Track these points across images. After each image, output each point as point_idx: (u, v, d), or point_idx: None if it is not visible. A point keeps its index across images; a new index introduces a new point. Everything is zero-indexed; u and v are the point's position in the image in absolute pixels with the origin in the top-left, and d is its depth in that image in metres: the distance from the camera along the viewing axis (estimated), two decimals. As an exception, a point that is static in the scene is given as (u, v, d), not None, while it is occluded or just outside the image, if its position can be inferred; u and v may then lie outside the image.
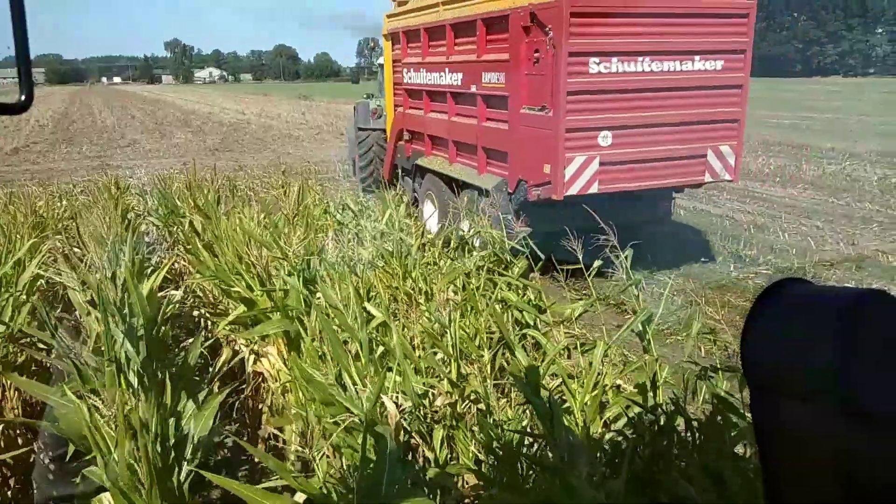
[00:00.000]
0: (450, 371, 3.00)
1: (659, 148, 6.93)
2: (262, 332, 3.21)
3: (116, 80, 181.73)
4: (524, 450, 2.59)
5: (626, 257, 3.51)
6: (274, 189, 11.50)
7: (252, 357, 3.91)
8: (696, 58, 6.86)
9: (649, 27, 6.70)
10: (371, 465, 1.96)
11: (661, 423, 2.43)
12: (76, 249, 4.67)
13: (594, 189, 6.68)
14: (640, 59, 6.65)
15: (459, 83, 8.25)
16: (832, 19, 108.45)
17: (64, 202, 8.10)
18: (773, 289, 0.70)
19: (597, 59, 6.47)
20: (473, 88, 7.89)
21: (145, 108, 49.62)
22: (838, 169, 15.23)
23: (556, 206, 6.57)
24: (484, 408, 2.92)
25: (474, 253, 4.35)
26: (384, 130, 11.50)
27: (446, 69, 8.56)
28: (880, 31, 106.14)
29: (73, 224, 5.78)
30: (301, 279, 3.23)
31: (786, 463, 0.66)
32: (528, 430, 2.75)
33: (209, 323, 4.35)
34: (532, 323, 3.82)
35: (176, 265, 5.74)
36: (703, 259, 8.64)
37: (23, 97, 0.88)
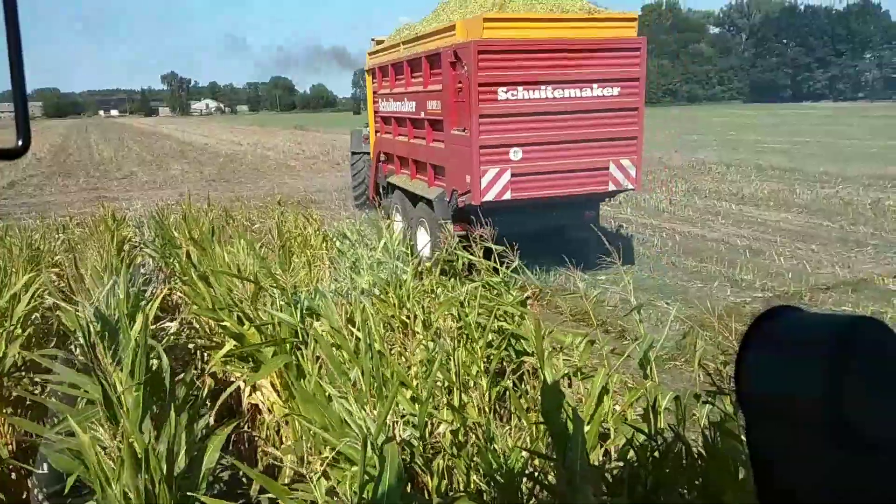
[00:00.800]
0: (452, 398, 2.97)
1: (565, 161, 8.12)
2: (260, 378, 3.18)
3: (114, 112, 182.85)
4: (525, 477, 2.56)
5: (628, 281, 3.51)
6: (270, 219, 11.56)
7: (248, 389, 3.89)
8: (595, 85, 8.04)
9: (550, 60, 7.90)
10: (373, 489, 1.93)
11: (662, 449, 2.41)
12: (72, 283, 4.65)
13: (507, 196, 7.91)
14: (543, 87, 7.87)
15: (414, 110, 9.55)
16: (821, 45, 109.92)
17: (60, 235, 8.09)
18: (765, 317, 0.70)
19: (504, 89, 7.75)
20: (422, 114, 9.15)
21: (142, 140, 49.91)
22: (832, 192, 15.32)
23: (503, 214, 7.45)
24: (484, 435, 2.89)
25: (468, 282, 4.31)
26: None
27: (405, 98, 9.88)
28: (868, 56, 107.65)
29: (70, 257, 5.76)
30: (298, 311, 3.20)
31: (779, 491, 0.67)
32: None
33: (205, 355, 4.32)
34: (531, 351, 3.81)
35: (172, 296, 5.72)
36: (699, 284, 8.65)
37: (20, 142, 0.86)
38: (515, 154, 7.94)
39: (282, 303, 3.39)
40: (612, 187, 8.47)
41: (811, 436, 0.62)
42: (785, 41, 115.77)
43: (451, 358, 3.03)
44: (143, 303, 4.51)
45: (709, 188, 16.65)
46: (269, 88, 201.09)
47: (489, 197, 7.84)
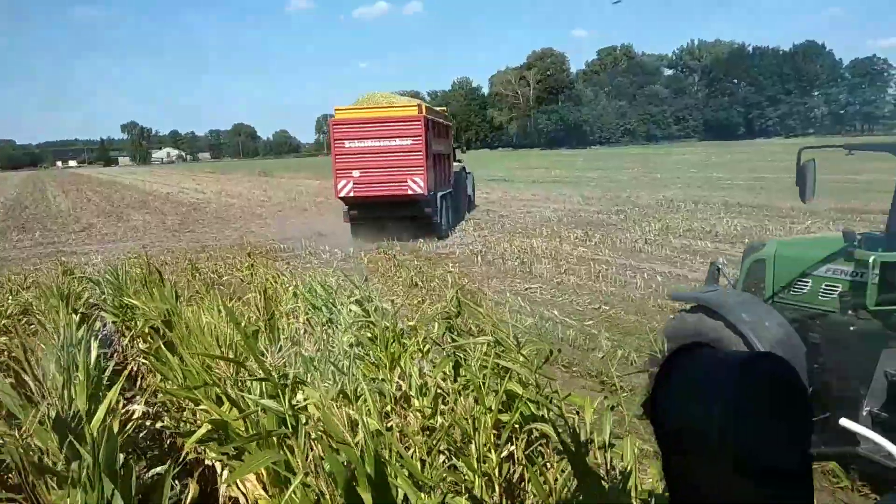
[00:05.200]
0: (473, 487, 2.58)
1: (382, 177, 15.50)
2: (243, 474, 2.73)
3: (72, 163, 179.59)
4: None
5: (633, 364, 3.18)
6: (238, 271, 11.04)
7: (225, 473, 3.42)
8: (396, 139, 15.54)
9: (369, 125, 15.63)
10: None
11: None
12: (26, 356, 4.14)
13: (352, 194, 15.76)
14: (366, 140, 15.61)
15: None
16: (770, 84, 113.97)
17: (10, 299, 7.49)
18: (675, 355, 0.78)
19: (347, 141, 15.72)
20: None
21: (101, 190, 48.80)
22: (802, 228, 15.41)
23: (365, 207, 16.05)
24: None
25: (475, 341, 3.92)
26: None
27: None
28: (816, 93, 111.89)
29: (21, 323, 5.23)
30: (286, 398, 2.77)
31: None
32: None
33: (174, 437, 3.83)
34: (541, 415, 3.43)
35: (133, 364, 5.21)
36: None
37: None
38: (355, 173, 15.65)
39: (267, 386, 2.96)
40: (409, 192, 15.51)
41: (712, 463, 0.69)
42: (735, 81, 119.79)
43: (473, 440, 2.63)
44: (105, 376, 4.04)
45: (682, 227, 16.63)
46: (231, 135, 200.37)
47: (342, 194, 15.91)
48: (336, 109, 16.09)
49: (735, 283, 5.65)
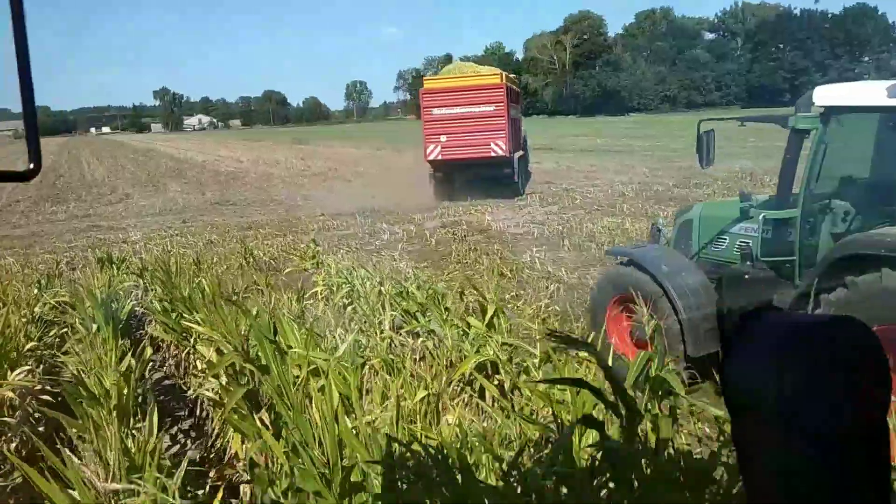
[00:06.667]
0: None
1: (468, 141, 16.77)
2: None
3: (105, 129, 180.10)
4: None
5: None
6: (303, 259, 9.58)
7: None
8: (480, 105, 16.90)
9: (457, 92, 17.12)
10: None
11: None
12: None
13: (440, 157, 17.12)
14: (453, 107, 16.96)
15: None
16: (818, 48, 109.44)
17: (37, 306, 6.03)
18: (748, 318, 0.75)
19: (434, 108, 17.16)
20: None
21: (136, 158, 47.98)
22: None
23: (450, 169, 17.49)
24: None
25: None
26: None
27: None
28: (867, 59, 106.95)
29: (51, 354, 3.86)
30: None
31: (753, 476, 0.72)
32: None
33: None
34: None
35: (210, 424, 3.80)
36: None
37: (31, 165, 0.83)
38: (443, 138, 16.90)
39: None
40: (492, 154, 16.83)
41: (775, 427, 0.67)
42: (781, 45, 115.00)
43: None
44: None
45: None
46: (262, 102, 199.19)
47: (430, 158, 17.27)
48: (425, 80, 19.02)
49: (669, 241, 6.28)
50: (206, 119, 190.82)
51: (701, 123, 5.36)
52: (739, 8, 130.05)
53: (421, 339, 4.73)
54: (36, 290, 6.65)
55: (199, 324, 4.31)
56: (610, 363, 3.58)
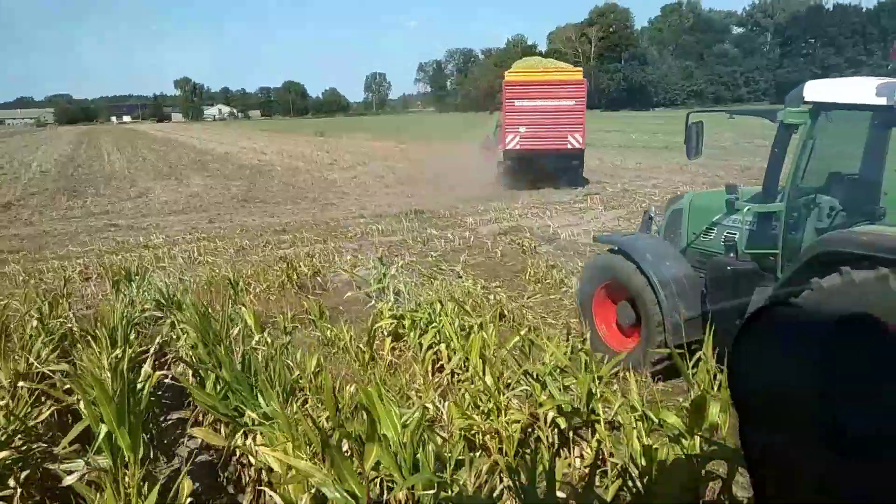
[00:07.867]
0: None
1: (546, 133, 17.76)
2: None
3: (126, 118, 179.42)
4: None
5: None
6: (353, 275, 7.91)
7: None
8: (562, 99, 17.83)
9: (539, 86, 17.92)
10: None
11: None
12: None
13: (518, 147, 17.94)
14: (535, 100, 17.77)
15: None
16: (850, 44, 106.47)
17: (44, 335, 4.56)
18: (757, 315, 0.70)
19: (517, 100, 17.89)
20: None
21: (157, 148, 46.74)
22: None
23: (523, 159, 17.99)
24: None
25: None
26: None
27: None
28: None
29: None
30: None
31: (776, 489, 0.65)
32: None
33: None
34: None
35: None
36: None
37: None
38: (522, 129, 17.78)
39: None
40: (569, 146, 17.79)
41: (802, 435, 0.61)
42: (812, 40, 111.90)
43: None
44: None
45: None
46: (281, 93, 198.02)
47: (509, 147, 17.92)
48: (507, 73, 18.91)
49: (659, 230, 6.29)
50: (225, 109, 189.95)
51: (690, 115, 5.39)
52: (769, 2, 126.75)
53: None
54: (35, 323, 5.18)
55: (272, 445, 2.73)
56: None
